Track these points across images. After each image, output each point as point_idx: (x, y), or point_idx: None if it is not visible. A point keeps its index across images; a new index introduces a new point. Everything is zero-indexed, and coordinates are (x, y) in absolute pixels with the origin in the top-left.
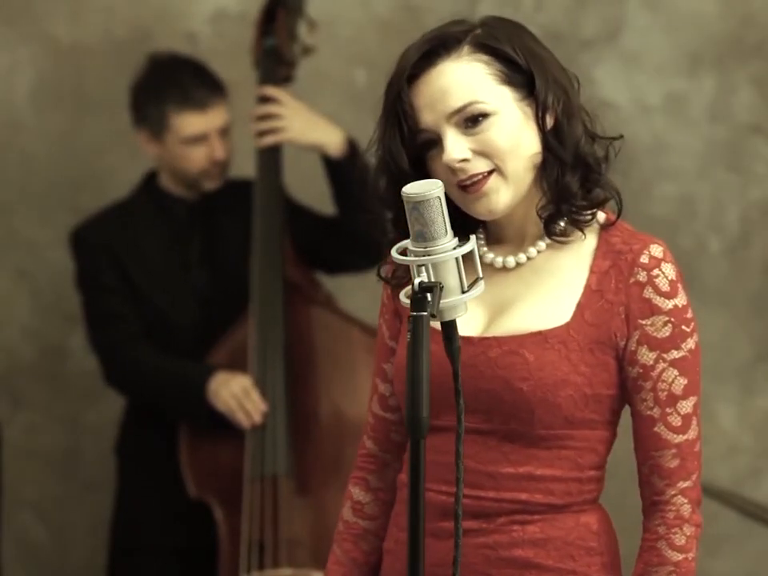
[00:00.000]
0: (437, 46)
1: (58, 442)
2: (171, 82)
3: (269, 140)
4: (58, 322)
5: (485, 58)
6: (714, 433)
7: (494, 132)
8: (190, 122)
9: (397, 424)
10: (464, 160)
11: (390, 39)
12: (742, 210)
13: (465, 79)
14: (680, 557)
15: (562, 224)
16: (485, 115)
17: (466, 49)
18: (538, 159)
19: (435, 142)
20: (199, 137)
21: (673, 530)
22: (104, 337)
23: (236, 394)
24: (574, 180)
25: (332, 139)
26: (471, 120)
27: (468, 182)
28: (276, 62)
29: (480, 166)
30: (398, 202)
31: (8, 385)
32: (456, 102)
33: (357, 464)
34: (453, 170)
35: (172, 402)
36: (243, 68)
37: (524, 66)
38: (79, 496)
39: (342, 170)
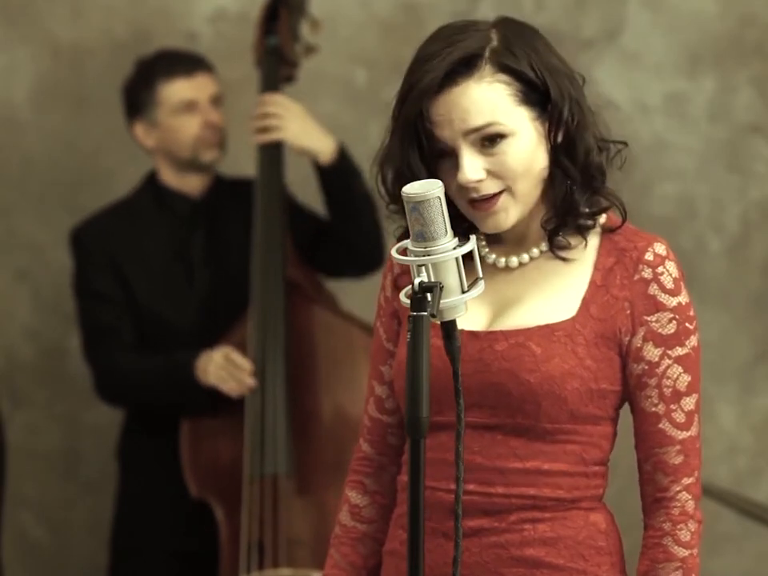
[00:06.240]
0: (459, 65)
1: (57, 441)
2: (156, 61)
3: (264, 138)
4: (57, 322)
5: (505, 78)
6: (714, 433)
7: (509, 154)
8: (179, 89)
9: (393, 426)
10: (479, 180)
11: (389, 39)
12: (742, 210)
13: (486, 100)
14: (686, 552)
15: (564, 235)
16: (502, 136)
17: (487, 69)
18: (546, 173)
19: (448, 153)
20: (190, 103)
21: (678, 526)
22: (96, 352)
23: (219, 363)
24: (583, 197)
25: (323, 147)
26: (488, 139)
27: (479, 200)
28: (278, 61)
29: (492, 186)
30: None
31: (8, 385)
32: (476, 121)
33: (352, 467)
34: (466, 189)
35: (168, 397)
36: (243, 68)
37: (541, 85)
38: (79, 496)
39: (330, 177)
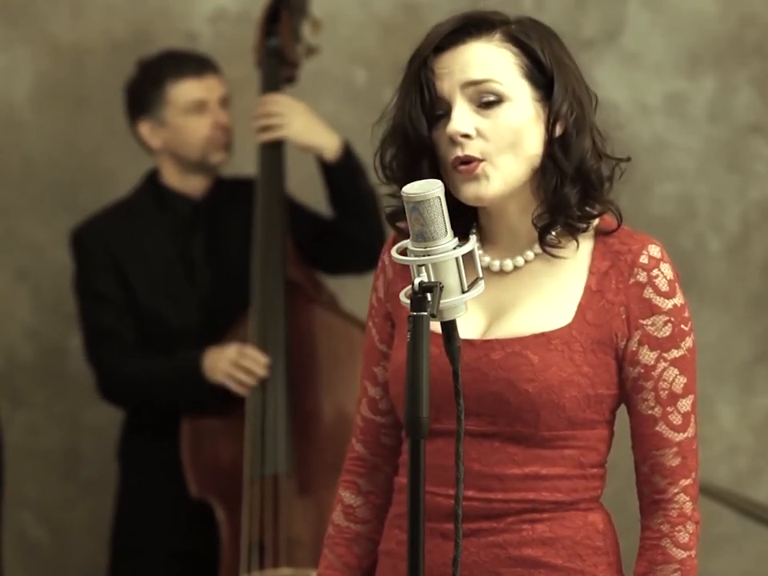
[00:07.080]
0: (470, 25)
1: (57, 441)
2: (164, 60)
3: (266, 136)
4: (57, 322)
5: (514, 49)
6: (714, 433)
7: (502, 119)
8: (188, 89)
9: (387, 427)
10: (467, 135)
11: (390, 39)
12: (742, 209)
13: (490, 59)
14: (684, 554)
15: (556, 234)
16: (500, 99)
17: (497, 35)
18: (537, 162)
19: (447, 114)
20: (199, 104)
21: (677, 528)
22: (98, 354)
23: (232, 358)
24: (573, 192)
25: (328, 143)
26: (486, 100)
27: (462, 160)
28: (279, 62)
29: (475, 150)
30: (405, 172)
31: (8, 385)
32: (475, 73)
33: (346, 467)
34: (453, 143)
35: (175, 397)
36: (243, 68)
37: (548, 68)
38: (79, 496)
39: (336, 174)
